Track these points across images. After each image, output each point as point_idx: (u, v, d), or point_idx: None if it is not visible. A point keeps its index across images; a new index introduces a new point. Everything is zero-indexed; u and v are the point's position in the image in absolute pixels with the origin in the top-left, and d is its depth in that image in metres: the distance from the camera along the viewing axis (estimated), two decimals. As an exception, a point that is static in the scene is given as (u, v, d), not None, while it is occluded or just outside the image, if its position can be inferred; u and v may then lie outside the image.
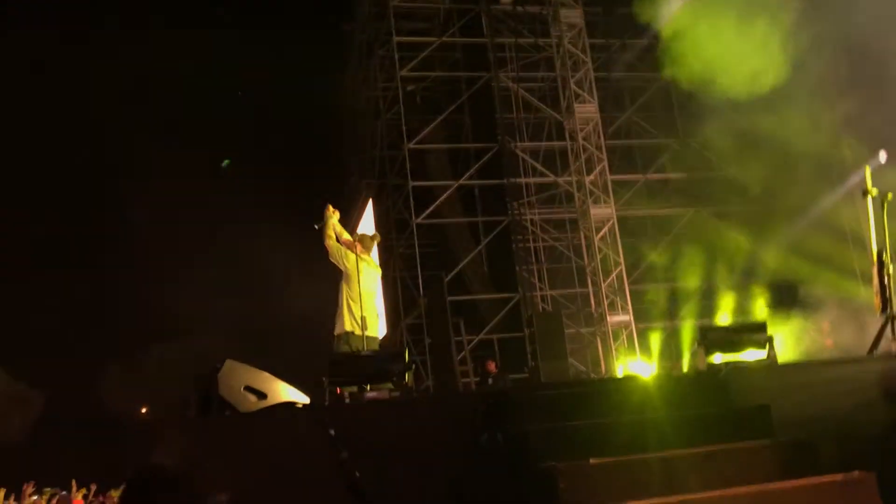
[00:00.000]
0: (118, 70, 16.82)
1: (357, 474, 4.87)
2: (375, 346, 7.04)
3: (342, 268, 7.05)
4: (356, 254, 7.05)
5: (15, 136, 15.97)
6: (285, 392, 5.33)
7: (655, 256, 15.13)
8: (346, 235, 7.31)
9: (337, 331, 6.90)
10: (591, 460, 4.31)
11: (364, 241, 7.25)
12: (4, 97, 15.28)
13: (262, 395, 5.16)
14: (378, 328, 7.12)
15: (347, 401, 5.68)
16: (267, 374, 5.36)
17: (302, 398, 5.47)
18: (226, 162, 18.30)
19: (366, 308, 6.90)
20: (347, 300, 6.89)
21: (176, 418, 5.23)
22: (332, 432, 5.00)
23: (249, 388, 5.15)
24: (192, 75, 16.91)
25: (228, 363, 5.21)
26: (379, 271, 7.36)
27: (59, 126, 16.91)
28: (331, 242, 7.07)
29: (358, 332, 6.78)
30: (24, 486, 7.48)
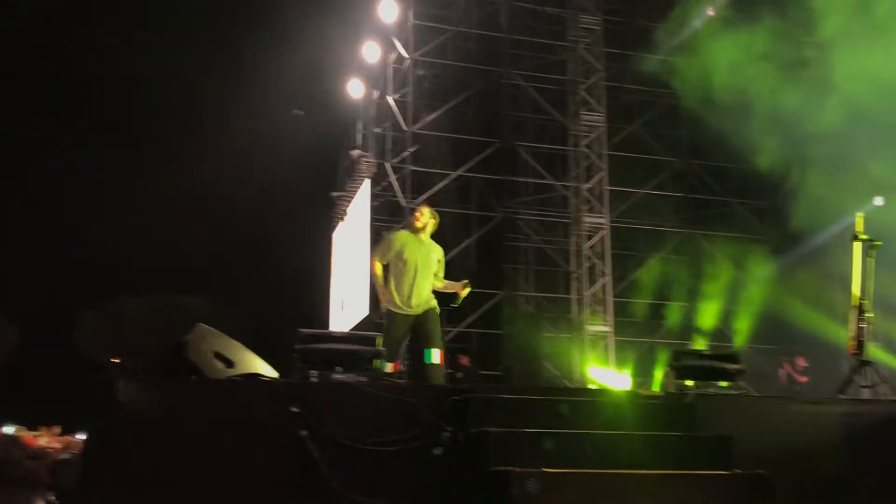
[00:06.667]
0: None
1: (315, 454, 4.88)
2: None
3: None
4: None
5: None
6: (254, 363, 5.32)
7: (643, 271, 15.13)
8: None
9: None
10: (545, 469, 4.32)
11: None
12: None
13: (230, 364, 5.14)
14: None
15: (314, 379, 5.65)
16: (238, 344, 5.33)
17: (270, 372, 5.45)
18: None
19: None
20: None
21: (140, 374, 5.19)
22: (295, 409, 5.00)
23: (219, 355, 5.13)
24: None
25: (200, 327, 5.18)
26: None
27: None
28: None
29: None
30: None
